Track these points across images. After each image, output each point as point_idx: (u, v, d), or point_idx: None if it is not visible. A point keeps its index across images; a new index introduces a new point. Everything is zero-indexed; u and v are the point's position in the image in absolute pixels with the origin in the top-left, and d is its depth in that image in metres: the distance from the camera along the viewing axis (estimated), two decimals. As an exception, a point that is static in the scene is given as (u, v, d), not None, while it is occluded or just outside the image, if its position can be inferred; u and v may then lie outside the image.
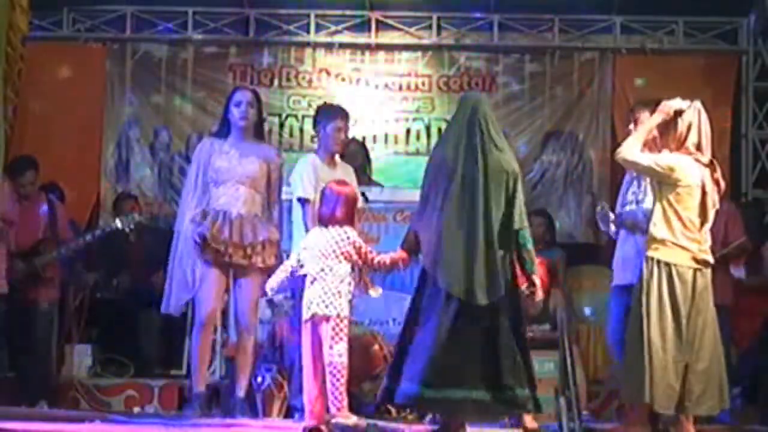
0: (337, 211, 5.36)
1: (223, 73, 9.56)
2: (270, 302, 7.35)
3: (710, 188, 5.43)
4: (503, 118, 8.89)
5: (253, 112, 6.25)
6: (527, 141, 9.50)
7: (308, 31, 9.57)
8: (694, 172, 5.40)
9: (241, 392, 6.21)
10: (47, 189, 7.63)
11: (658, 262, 5.35)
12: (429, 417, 6.13)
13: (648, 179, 5.65)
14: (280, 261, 5.93)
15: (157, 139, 9.53)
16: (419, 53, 9.64)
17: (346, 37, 9.61)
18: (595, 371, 7.97)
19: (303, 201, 6.28)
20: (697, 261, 5.39)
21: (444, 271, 5.06)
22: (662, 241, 5.36)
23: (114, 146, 9.46)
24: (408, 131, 9.55)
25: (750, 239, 7.28)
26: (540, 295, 5.29)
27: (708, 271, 5.44)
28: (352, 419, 5.24)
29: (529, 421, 5.72)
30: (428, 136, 9.46)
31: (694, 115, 5.46)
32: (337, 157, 6.48)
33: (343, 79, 9.59)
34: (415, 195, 5.48)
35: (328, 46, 9.60)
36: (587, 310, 8.27)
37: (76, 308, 7.69)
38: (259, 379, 6.58)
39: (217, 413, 6.38)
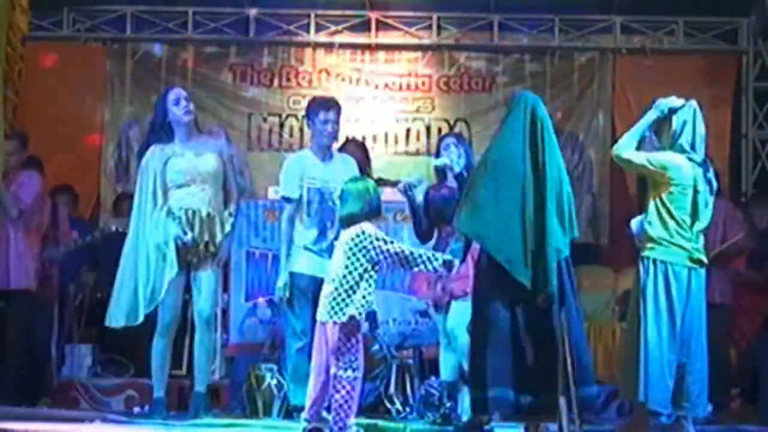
0: (347, 210, 5.15)
1: (223, 73, 9.57)
2: (270, 302, 7.35)
3: (702, 188, 5.41)
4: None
5: (192, 106, 6.21)
6: (527, 141, 9.49)
7: (308, 31, 9.58)
8: (686, 172, 5.38)
9: (199, 387, 6.19)
10: (59, 191, 7.74)
11: (654, 261, 5.35)
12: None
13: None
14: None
15: (158, 139, 9.53)
16: (419, 53, 9.64)
17: (347, 37, 9.62)
18: (595, 371, 7.94)
19: (285, 200, 6.24)
20: (692, 260, 5.39)
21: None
22: (658, 240, 5.36)
23: (114, 146, 9.47)
24: (408, 131, 9.55)
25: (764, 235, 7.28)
26: None
27: (702, 271, 5.44)
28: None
29: None
30: (428, 136, 9.45)
31: (688, 113, 5.45)
32: (335, 151, 6.43)
33: (344, 79, 9.58)
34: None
35: (329, 46, 9.60)
36: (587, 310, 8.25)
37: (76, 308, 7.70)
38: (260, 379, 6.57)
39: (218, 413, 6.39)
